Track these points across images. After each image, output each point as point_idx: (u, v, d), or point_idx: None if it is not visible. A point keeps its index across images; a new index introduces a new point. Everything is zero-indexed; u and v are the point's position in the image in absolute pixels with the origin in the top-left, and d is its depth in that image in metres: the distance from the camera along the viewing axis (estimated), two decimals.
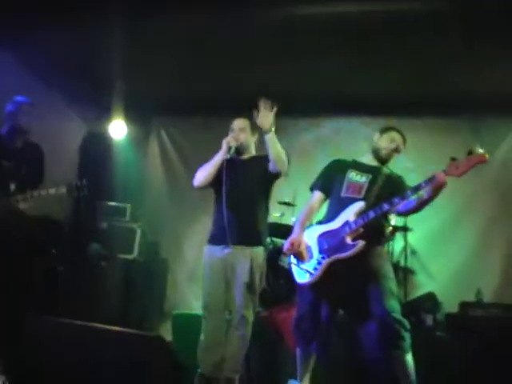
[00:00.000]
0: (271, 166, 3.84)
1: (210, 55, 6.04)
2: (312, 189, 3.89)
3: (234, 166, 3.95)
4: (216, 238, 3.95)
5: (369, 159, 3.82)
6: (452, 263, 6.25)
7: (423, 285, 6.16)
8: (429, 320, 4.70)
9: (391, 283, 3.50)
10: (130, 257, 5.87)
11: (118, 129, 7.05)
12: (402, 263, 5.99)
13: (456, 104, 6.35)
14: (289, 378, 3.82)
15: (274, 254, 5.33)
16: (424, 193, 3.35)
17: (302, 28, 5.22)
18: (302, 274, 3.63)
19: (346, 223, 3.52)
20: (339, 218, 3.59)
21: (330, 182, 3.81)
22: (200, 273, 4.13)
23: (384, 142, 3.76)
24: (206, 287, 3.98)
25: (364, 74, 5.99)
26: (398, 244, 6.04)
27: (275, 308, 4.84)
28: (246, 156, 4.12)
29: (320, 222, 3.82)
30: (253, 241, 3.89)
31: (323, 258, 3.56)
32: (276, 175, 3.93)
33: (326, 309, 3.61)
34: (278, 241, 5.78)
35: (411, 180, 4.14)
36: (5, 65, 5.68)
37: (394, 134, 3.76)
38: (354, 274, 3.47)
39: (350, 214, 3.54)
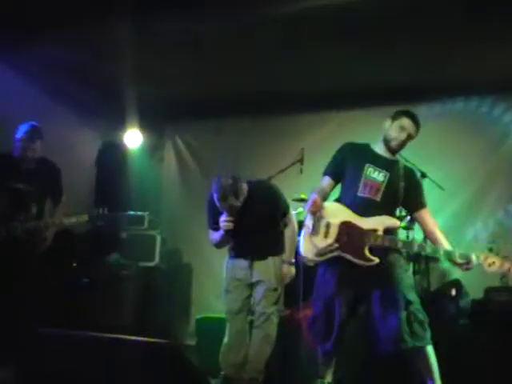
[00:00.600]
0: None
1: (219, 58, 6.07)
2: (324, 174, 3.82)
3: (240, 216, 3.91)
4: (236, 253, 4.12)
5: (382, 150, 3.65)
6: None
7: (449, 273, 6.06)
8: (452, 308, 4.63)
9: (408, 276, 3.50)
10: (151, 264, 5.90)
11: (132, 138, 7.13)
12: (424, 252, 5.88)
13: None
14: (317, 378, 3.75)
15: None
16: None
17: (304, 18, 5.17)
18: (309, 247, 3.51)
19: (373, 232, 3.40)
20: (370, 220, 3.44)
21: (341, 167, 3.71)
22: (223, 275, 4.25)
23: (394, 132, 3.56)
24: (228, 295, 4.10)
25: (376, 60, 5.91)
26: (418, 234, 5.95)
27: (296, 306, 4.82)
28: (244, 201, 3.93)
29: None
30: (271, 252, 4.04)
31: (337, 248, 3.43)
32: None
33: (342, 306, 3.53)
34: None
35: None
36: (12, 82, 5.78)
37: (405, 121, 3.56)
38: (368, 272, 3.39)
39: (380, 224, 3.42)
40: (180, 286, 6.26)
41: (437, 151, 6.13)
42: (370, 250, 3.38)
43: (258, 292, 3.99)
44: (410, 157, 4.72)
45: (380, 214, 3.46)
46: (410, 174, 3.68)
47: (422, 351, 3.35)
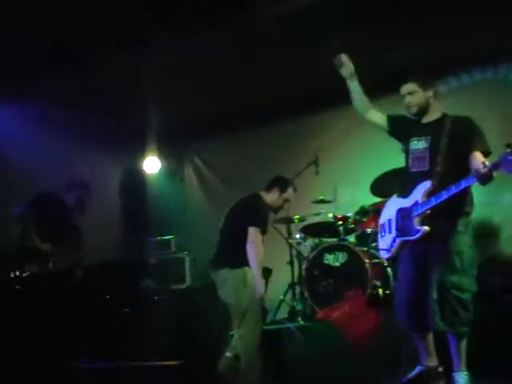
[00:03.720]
0: None
1: (223, 70, 6.11)
2: None
3: None
4: None
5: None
6: None
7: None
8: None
9: (458, 258, 3.35)
10: (182, 286, 5.93)
11: (152, 164, 7.20)
12: None
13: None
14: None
15: (321, 253, 5.26)
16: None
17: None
18: (383, 248, 3.74)
19: (416, 204, 3.45)
20: (411, 196, 3.51)
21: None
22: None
23: (405, 99, 3.63)
24: None
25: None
26: None
27: (328, 307, 4.77)
28: None
29: (399, 196, 3.74)
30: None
31: (397, 235, 3.58)
32: None
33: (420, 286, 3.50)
34: (323, 240, 5.72)
35: None
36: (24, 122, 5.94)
37: (406, 87, 3.59)
38: (423, 253, 3.45)
39: (419, 194, 3.44)
40: (215, 304, 6.25)
41: None
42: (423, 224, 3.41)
43: None
44: None
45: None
46: (458, 124, 3.53)
47: (450, 335, 3.36)
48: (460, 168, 3.34)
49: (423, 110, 3.61)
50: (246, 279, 4.15)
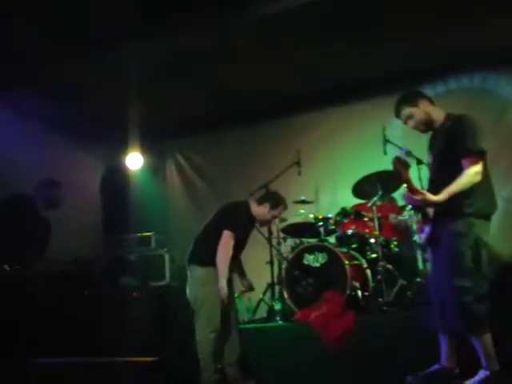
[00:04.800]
0: None
1: (210, 70, 6.10)
2: None
3: None
4: None
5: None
6: None
7: None
8: None
9: (459, 260, 3.37)
10: (162, 283, 5.89)
11: (133, 160, 7.17)
12: None
13: None
14: None
15: (301, 254, 5.26)
16: None
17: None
18: None
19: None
20: None
21: None
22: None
23: (409, 125, 3.73)
24: None
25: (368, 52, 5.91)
26: None
27: (307, 308, 4.78)
28: None
29: None
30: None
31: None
32: None
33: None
34: (304, 240, 5.73)
35: None
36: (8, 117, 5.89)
37: (404, 113, 3.68)
38: (432, 257, 3.60)
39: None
40: None
41: None
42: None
43: None
44: (409, 142, 4.79)
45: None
46: (450, 127, 3.56)
47: (477, 341, 3.37)
48: (453, 173, 3.38)
49: (428, 123, 3.66)
50: (207, 278, 4.24)
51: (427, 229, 3.61)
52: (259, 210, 4.48)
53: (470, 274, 3.34)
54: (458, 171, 3.37)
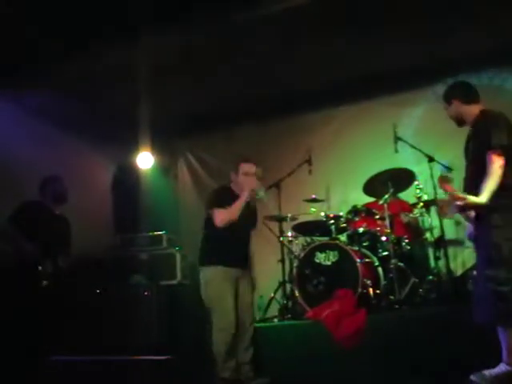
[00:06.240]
0: None
1: (217, 68, 6.11)
2: None
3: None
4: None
5: None
6: None
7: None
8: None
9: (495, 251, 3.41)
10: (173, 282, 5.91)
11: (145, 159, 7.17)
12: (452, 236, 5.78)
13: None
14: None
15: (312, 252, 5.25)
16: None
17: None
18: None
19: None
20: None
21: None
22: None
23: None
24: None
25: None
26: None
27: (318, 306, 4.77)
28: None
29: None
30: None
31: None
32: None
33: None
34: (315, 239, 5.73)
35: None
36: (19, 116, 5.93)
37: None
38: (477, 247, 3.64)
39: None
40: None
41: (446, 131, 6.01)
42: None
43: None
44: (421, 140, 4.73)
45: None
46: (477, 124, 3.70)
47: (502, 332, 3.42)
48: (481, 170, 3.47)
49: (459, 121, 3.83)
50: (215, 277, 4.37)
51: (470, 226, 3.72)
52: (234, 179, 4.68)
53: (506, 265, 3.37)
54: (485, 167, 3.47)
